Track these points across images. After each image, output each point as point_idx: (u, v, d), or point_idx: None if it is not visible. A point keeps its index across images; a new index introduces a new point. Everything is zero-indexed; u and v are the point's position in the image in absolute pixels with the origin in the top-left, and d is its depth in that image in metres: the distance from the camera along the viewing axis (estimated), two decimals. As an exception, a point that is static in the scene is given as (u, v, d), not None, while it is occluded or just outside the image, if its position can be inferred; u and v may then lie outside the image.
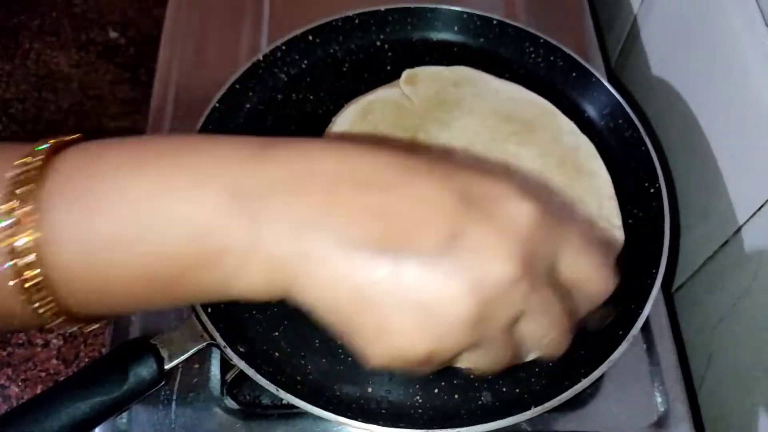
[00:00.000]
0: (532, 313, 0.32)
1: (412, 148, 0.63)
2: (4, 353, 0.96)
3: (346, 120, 0.66)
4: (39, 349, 0.96)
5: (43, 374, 0.94)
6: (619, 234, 0.58)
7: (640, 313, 0.53)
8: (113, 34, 1.29)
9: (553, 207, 0.32)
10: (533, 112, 0.65)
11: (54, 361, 0.94)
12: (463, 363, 0.34)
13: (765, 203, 0.57)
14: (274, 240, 0.30)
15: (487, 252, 0.29)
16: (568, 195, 0.60)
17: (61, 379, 0.91)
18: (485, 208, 0.30)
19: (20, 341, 0.97)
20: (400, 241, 0.29)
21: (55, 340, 0.96)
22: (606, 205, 0.59)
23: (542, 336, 0.33)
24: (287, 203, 0.30)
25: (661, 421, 0.56)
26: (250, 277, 0.31)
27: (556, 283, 0.32)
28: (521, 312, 0.31)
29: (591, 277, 0.34)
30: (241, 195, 0.30)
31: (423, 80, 0.68)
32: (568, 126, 0.64)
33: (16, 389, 0.93)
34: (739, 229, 0.61)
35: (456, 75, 0.68)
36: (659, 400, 0.57)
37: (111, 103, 1.21)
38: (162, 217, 0.30)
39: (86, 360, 0.95)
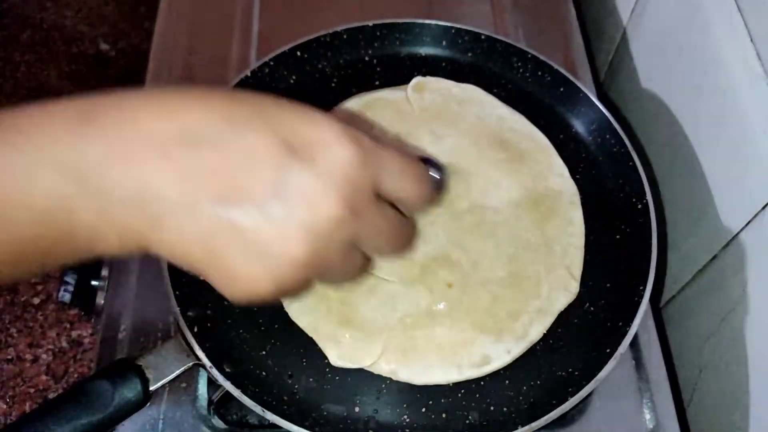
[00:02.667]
0: (364, 234, 0.36)
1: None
2: (-8, 369, 0.95)
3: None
4: (28, 365, 0.95)
5: (32, 390, 0.93)
6: (574, 285, 0.57)
7: (628, 330, 0.53)
8: (104, 47, 1.29)
9: (370, 138, 0.36)
10: (529, 145, 0.64)
11: (43, 377, 0.93)
12: (321, 281, 0.38)
13: (754, 217, 0.57)
14: (119, 211, 0.32)
15: (312, 196, 0.33)
16: (535, 233, 0.59)
17: (50, 394, 0.91)
18: (308, 154, 0.33)
19: (9, 357, 0.96)
20: (235, 194, 0.32)
21: (44, 356, 0.95)
22: (570, 253, 0.58)
23: (380, 246, 0.39)
24: (123, 172, 0.31)
25: (650, 438, 0.56)
26: (106, 244, 0.33)
27: (381, 202, 0.37)
28: (353, 238, 0.36)
29: (409, 189, 0.38)
30: (78, 173, 0.31)
31: (430, 90, 0.68)
32: (559, 168, 0.63)
33: (4, 405, 0.92)
34: (728, 243, 0.61)
35: (464, 93, 0.68)
36: (648, 416, 0.57)
37: (101, 115, 1.20)
38: (7, 205, 0.31)
39: (76, 376, 0.94)
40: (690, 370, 0.67)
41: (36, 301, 1.01)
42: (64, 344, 0.96)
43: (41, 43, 1.29)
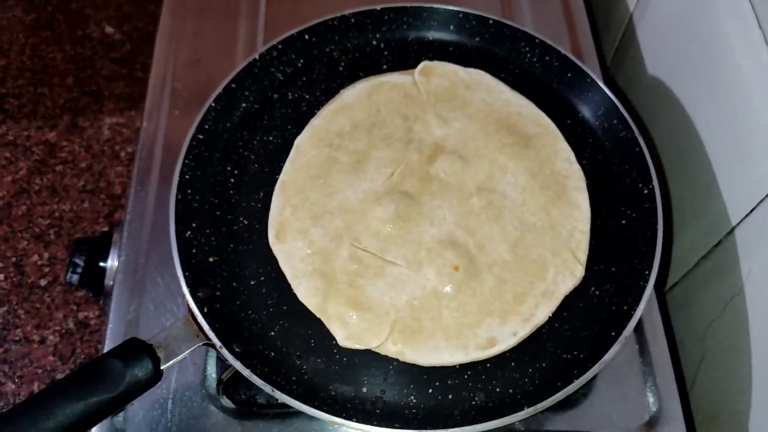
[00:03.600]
0: None
1: (407, 141, 0.64)
2: (1, 350, 0.96)
3: (353, 93, 0.66)
4: (36, 346, 0.96)
5: (39, 371, 0.94)
6: (579, 269, 0.58)
7: (633, 314, 0.53)
8: (109, 30, 1.29)
9: None
10: (536, 130, 0.65)
11: (50, 358, 0.95)
12: None
13: (758, 204, 0.57)
14: None
15: None
16: (541, 217, 0.59)
17: (58, 375, 0.92)
18: None
19: (16, 338, 0.97)
20: None
21: (51, 337, 0.96)
22: (576, 238, 0.59)
23: None
24: None
25: (653, 421, 0.57)
26: None
27: None
28: None
29: None
30: None
31: (438, 75, 0.68)
32: (566, 153, 0.63)
33: (12, 386, 0.93)
34: (732, 230, 0.61)
35: (471, 78, 0.68)
36: (651, 399, 0.58)
37: (107, 98, 1.21)
38: None
39: (83, 357, 0.95)
40: (693, 354, 0.68)
41: (43, 282, 1.02)
42: (71, 326, 0.97)
43: (46, 26, 1.29)
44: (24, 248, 1.05)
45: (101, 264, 0.67)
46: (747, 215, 0.59)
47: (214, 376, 0.58)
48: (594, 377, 0.59)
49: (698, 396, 0.67)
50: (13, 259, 1.04)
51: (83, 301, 0.99)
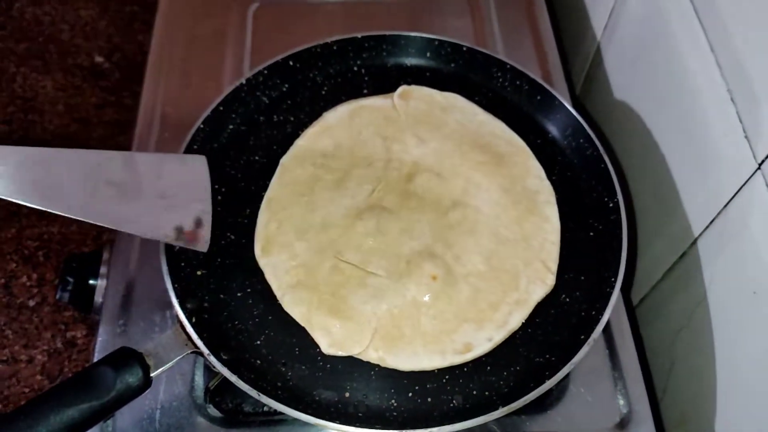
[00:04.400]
0: None
1: (387, 160, 0.67)
2: (-13, 370, 0.96)
3: (335, 116, 0.70)
4: (23, 365, 0.96)
5: (26, 390, 0.94)
6: (550, 278, 0.61)
7: (600, 318, 0.56)
8: (99, 59, 1.32)
9: None
10: (508, 149, 0.68)
11: (38, 377, 0.95)
12: None
13: (718, 215, 0.61)
14: None
15: None
16: (513, 230, 0.63)
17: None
18: None
19: (4, 358, 0.97)
20: None
21: (39, 356, 0.97)
22: (547, 249, 0.62)
23: None
24: None
25: (624, 422, 0.59)
26: None
27: None
28: None
29: None
30: None
31: (415, 98, 0.72)
32: (537, 171, 0.67)
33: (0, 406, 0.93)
34: (695, 241, 0.65)
35: (447, 101, 0.72)
36: (621, 402, 0.61)
37: (96, 125, 1.23)
38: None
39: (70, 375, 0.96)
40: (663, 363, 0.70)
41: (31, 303, 1.03)
42: (59, 345, 0.98)
43: (37, 55, 1.32)
44: (12, 270, 1.06)
45: (91, 282, 0.69)
46: (707, 226, 0.63)
47: (201, 386, 0.60)
48: (566, 382, 0.61)
49: (669, 403, 0.69)
50: (2, 281, 1.05)
51: (71, 320, 1.00)
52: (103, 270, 0.68)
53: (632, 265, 0.75)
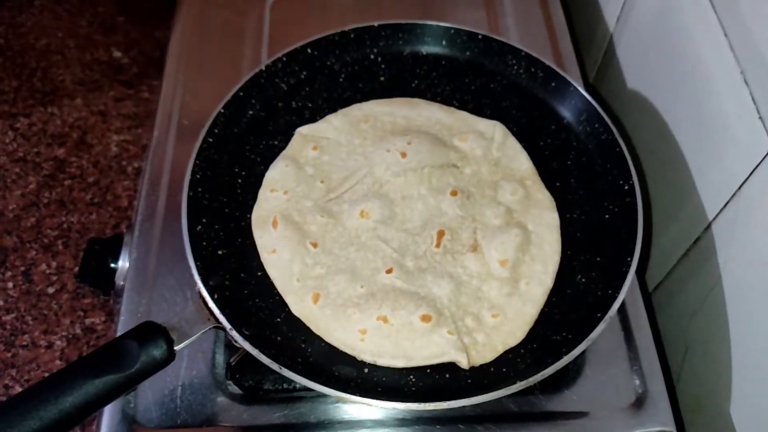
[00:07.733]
0: None
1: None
2: (9, 354, 0.98)
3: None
4: (43, 351, 0.98)
5: (46, 374, 0.95)
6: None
7: (617, 296, 0.56)
8: (117, 54, 1.34)
9: None
10: None
11: (57, 362, 0.97)
12: None
13: (731, 198, 0.61)
14: None
15: None
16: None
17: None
18: None
19: (24, 343, 0.99)
20: None
21: (58, 342, 0.99)
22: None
23: None
24: None
25: (640, 400, 0.60)
26: None
27: None
28: None
29: None
30: None
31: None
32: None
33: (20, 389, 0.94)
34: (709, 225, 0.65)
35: None
36: (637, 382, 0.61)
37: (114, 118, 1.26)
38: None
39: (88, 362, 0.97)
40: (678, 348, 0.71)
41: (51, 290, 1.04)
42: (78, 331, 0.99)
43: (56, 50, 1.34)
44: (33, 258, 1.08)
45: (112, 265, 0.70)
46: (721, 210, 0.63)
47: (222, 364, 0.61)
48: (583, 362, 0.62)
49: (684, 387, 0.69)
50: (22, 269, 1.07)
51: (90, 307, 1.02)
52: (124, 253, 0.69)
53: (647, 250, 0.76)
